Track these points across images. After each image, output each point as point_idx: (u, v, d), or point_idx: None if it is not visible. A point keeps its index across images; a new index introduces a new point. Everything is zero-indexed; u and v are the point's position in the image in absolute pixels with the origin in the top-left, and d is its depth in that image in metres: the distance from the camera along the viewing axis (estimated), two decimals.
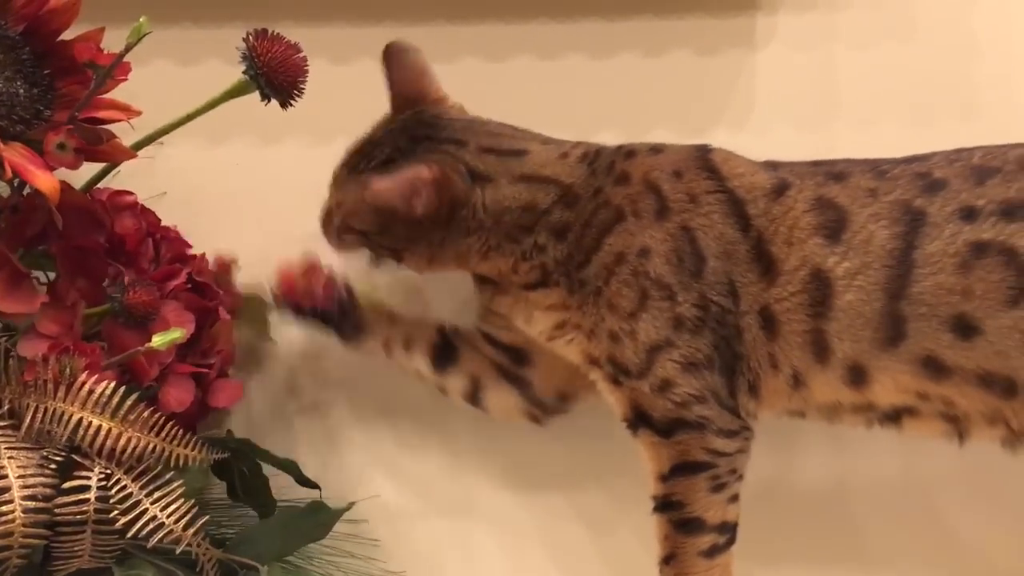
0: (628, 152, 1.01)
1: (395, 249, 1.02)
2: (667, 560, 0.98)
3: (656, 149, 1.01)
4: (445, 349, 1.10)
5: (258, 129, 1.18)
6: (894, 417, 0.96)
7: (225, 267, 1.10)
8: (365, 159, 1.01)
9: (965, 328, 0.90)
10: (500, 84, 1.18)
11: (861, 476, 1.15)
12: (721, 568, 0.98)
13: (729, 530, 0.98)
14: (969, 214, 0.92)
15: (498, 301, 1.04)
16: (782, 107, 1.16)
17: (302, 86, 0.97)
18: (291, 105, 0.97)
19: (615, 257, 0.96)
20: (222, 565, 0.95)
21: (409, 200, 0.95)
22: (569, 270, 0.98)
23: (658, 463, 0.97)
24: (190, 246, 1.08)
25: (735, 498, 0.98)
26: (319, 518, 1.02)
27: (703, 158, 1.00)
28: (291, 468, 1.05)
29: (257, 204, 1.17)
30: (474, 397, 1.09)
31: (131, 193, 1.06)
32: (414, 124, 1.02)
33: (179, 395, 0.98)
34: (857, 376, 0.93)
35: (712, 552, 0.97)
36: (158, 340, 0.93)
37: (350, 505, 1.05)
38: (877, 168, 0.97)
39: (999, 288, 0.89)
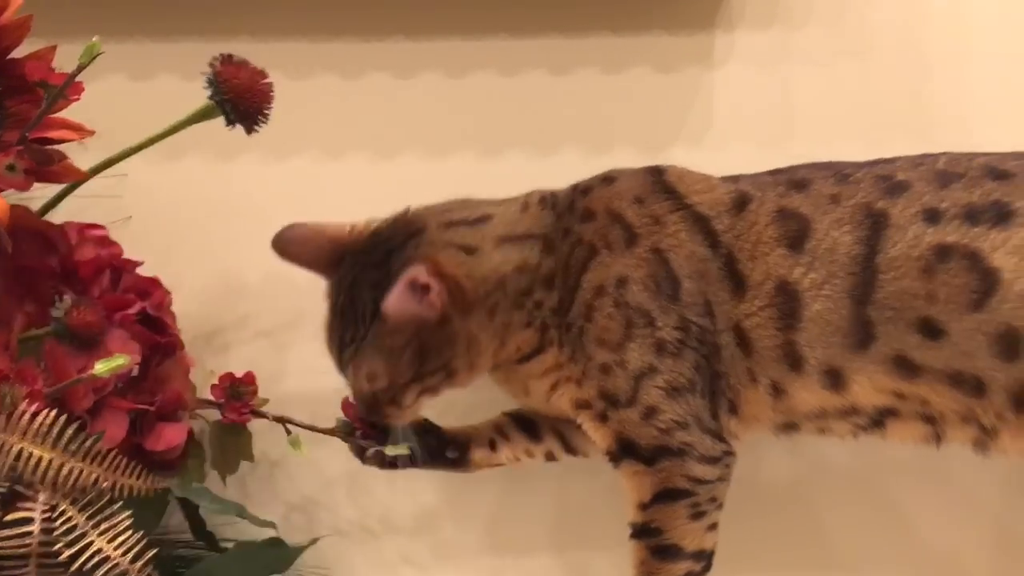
0: (584, 189, 0.97)
1: (447, 365, 0.93)
2: None
3: (608, 179, 0.97)
4: (524, 424, 1.05)
5: (214, 146, 1.14)
6: (878, 421, 0.92)
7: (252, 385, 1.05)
8: (356, 323, 0.93)
9: (931, 331, 0.87)
10: (459, 100, 1.14)
11: (820, 475, 1.12)
12: None
13: (705, 558, 0.94)
14: (932, 216, 0.89)
15: (494, 377, 1.00)
16: (740, 124, 1.13)
17: (267, 112, 0.94)
18: (256, 131, 0.94)
19: (595, 291, 0.93)
20: None
21: (423, 298, 0.89)
22: (561, 320, 0.94)
23: (639, 492, 0.93)
24: (157, 282, 1.02)
25: (713, 527, 0.94)
26: (278, 554, 0.97)
27: (659, 181, 0.96)
28: (239, 511, 0.99)
29: (212, 221, 1.13)
30: (569, 448, 1.05)
31: (102, 227, 1.02)
32: (363, 258, 0.94)
33: (111, 431, 0.91)
34: (834, 379, 0.90)
35: None
36: (101, 367, 0.87)
37: (313, 541, 1.01)
38: (840, 172, 0.93)
39: (962, 292, 0.87)
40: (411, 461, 1.01)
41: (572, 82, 1.14)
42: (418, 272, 0.88)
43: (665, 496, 0.92)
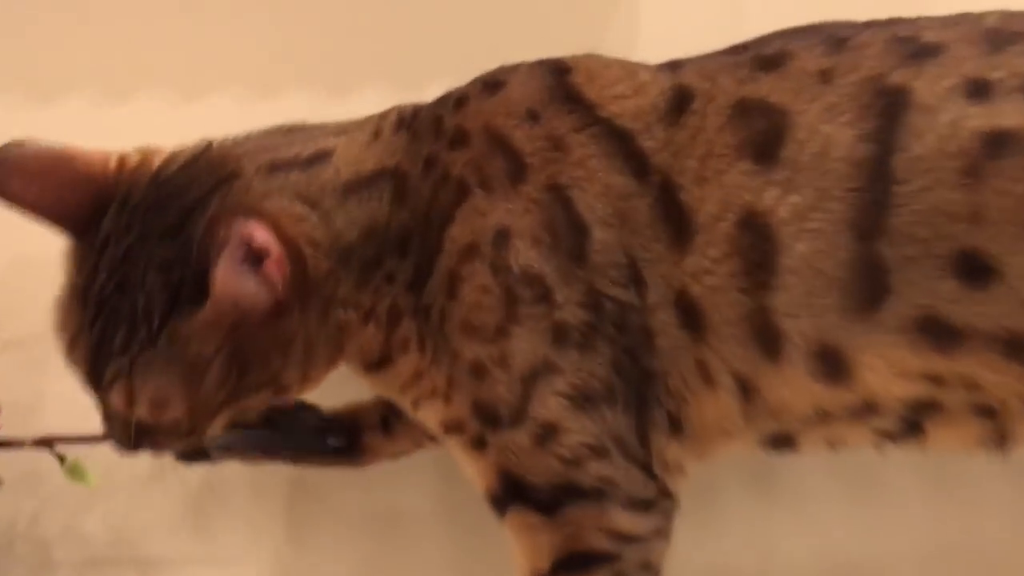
0: (457, 100, 0.71)
1: (276, 378, 0.68)
2: None
3: (493, 84, 0.70)
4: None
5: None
6: (912, 423, 0.65)
7: None
8: (131, 323, 0.64)
9: (976, 270, 0.61)
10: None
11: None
12: None
13: None
14: (979, 90, 0.61)
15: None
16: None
17: None
18: None
19: (462, 253, 0.66)
20: None
21: (256, 271, 0.63)
22: (417, 301, 0.68)
23: (534, 556, 0.66)
24: None
25: None
26: None
27: (561, 83, 0.68)
28: None
29: None
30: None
31: None
32: (144, 217, 0.65)
33: None
34: (832, 364, 0.63)
35: None
36: None
37: None
38: (834, 36, 0.65)
39: None
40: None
41: None
42: (251, 229, 0.61)
43: (574, 563, 0.65)
